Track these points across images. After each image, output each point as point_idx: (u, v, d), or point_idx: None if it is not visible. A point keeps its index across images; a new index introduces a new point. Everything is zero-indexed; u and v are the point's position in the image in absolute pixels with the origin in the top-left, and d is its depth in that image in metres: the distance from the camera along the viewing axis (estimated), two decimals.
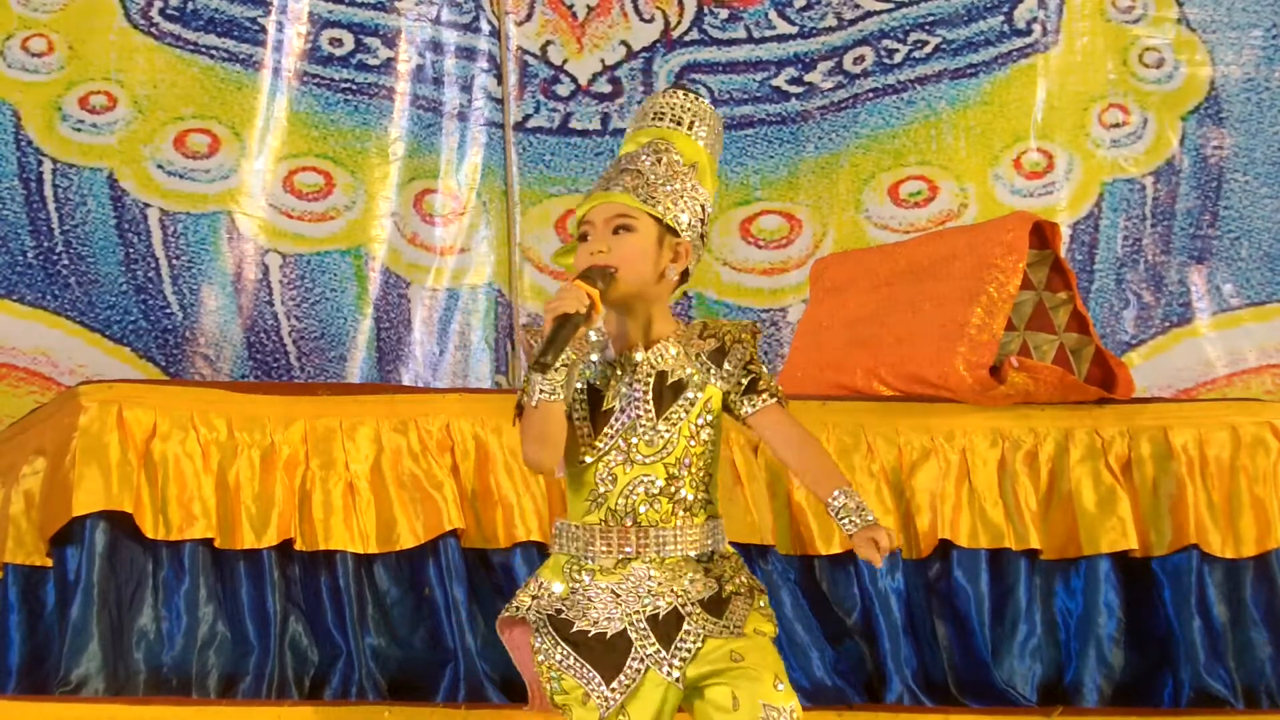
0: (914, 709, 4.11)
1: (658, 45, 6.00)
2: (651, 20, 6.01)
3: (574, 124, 5.95)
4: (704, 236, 2.88)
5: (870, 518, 2.70)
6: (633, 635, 2.74)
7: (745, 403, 2.82)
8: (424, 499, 4.05)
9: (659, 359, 2.82)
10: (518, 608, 2.80)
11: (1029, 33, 5.88)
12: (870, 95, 5.93)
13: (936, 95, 5.90)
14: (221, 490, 4.01)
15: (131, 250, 5.59)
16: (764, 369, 2.83)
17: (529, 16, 5.97)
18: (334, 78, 5.82)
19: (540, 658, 2.76)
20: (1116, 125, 5.83)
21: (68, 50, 5.64)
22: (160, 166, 5.66)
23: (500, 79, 5.93)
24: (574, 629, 2.75)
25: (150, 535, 3.96)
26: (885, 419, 4.28)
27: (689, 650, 2.73)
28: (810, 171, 5.94)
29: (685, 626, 2.74)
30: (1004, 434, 4.27)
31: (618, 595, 2.76)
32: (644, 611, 2.75)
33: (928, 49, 5.92)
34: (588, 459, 2.78)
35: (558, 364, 2.69)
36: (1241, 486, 4.24)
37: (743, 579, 2.81)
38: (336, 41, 5.84)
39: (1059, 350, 4.42)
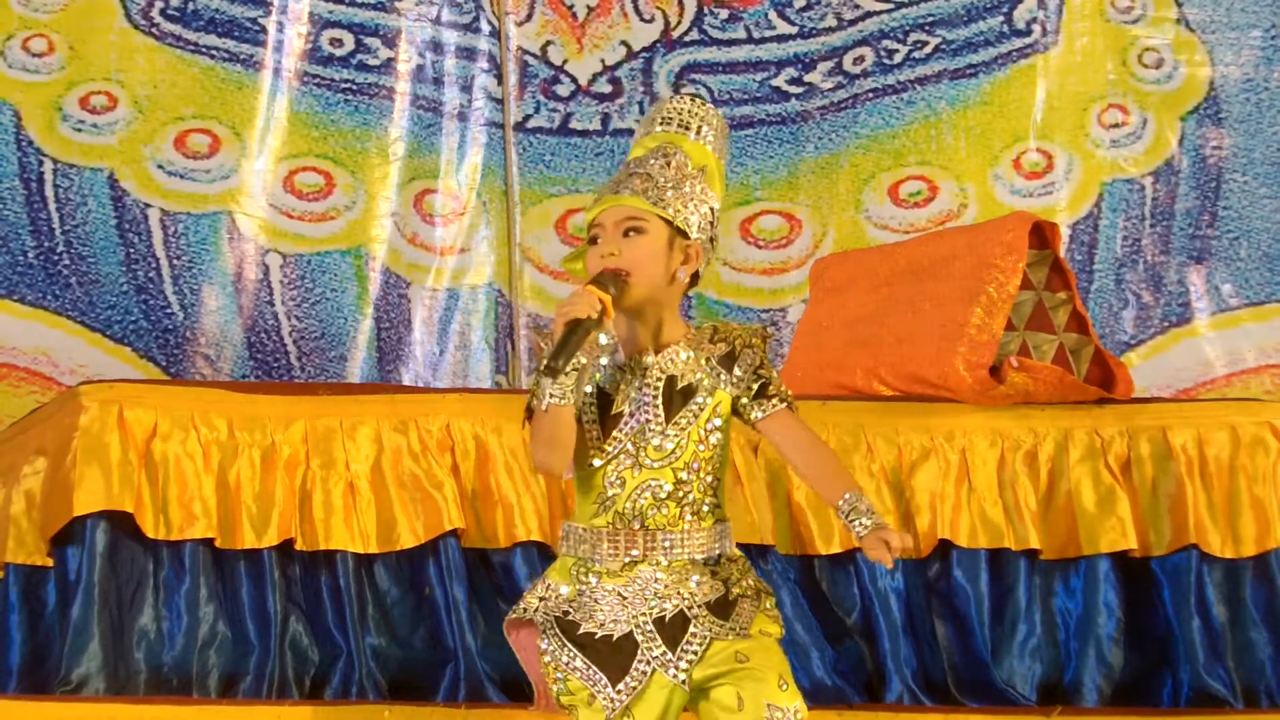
0: (914, 709, 4.11)
1: (658, 45, 6.01)
2: (651, 20, 6.01)
3: (574, 124, 5.95)
4: (713, 240, 2.89)
5: (880, 520, 2.71)
6: (639, 638, 2.75)
7: (755, 407, 2.82)
8: (424, 499, 4.05)
9: (669, 363, 2.82)
10: (525, 609, 2.81)
11: (1029, 33, 5.88)
12: (870, 95, 5.93)
13: (936, 95, 5.90)
14: (222, 490, 4.01)
15: (132, 250, 5.60)
16: (774, 373, 2.84)
17: (529, 17, 5.97)
18: (334, 78, 5.83)
19: (547, 659, 2.76)
20: (1116, 125, 5.83)
21: (68, 50, 5.64)
22: (161, 167, 5.66)
23: (500, 79, 5.93)
24: (581, 631, 2.76)
25: (151, 535, 3.96)
26: (885, 419, 4.28)
27: (695, 653, 2.74)
28: (810, 171, 5.94)
29: (691, 629, 2.75)
30: (1004, 434, 4.27)
31: (624, 598, 2.77)
32: (650, 614, 2.76)
33: (927, 49, 5.92)
34: (596, 462, 2.79)
35: (568, 369, 2.69)
36: (1241, 486, 4.25)
37: (749, 581, 2.82)
38: (337, 42, 5.85)
39: (1058, 350, 4.42)
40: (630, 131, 5.87)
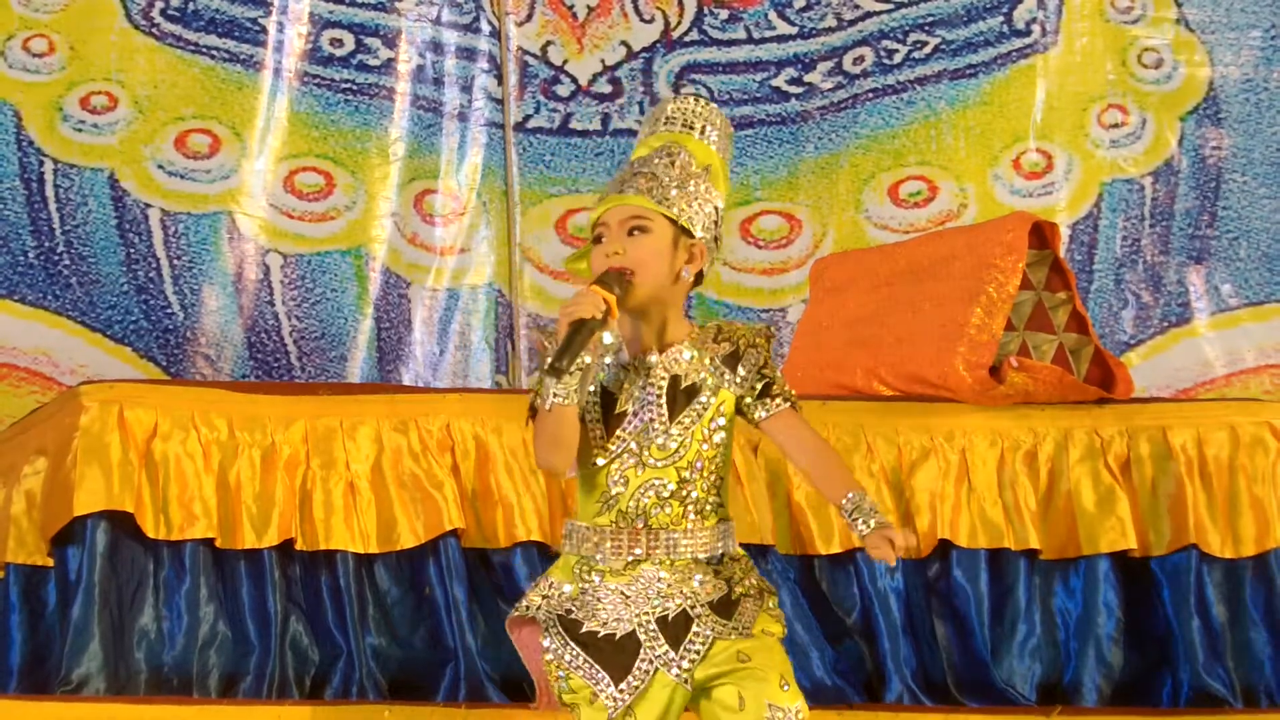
0: (913, 709, 4.11)
1: (658, 46, 6.01)
2: (651, 21, 6.01)
3: (574, 124, 5.95)
4: (718, 239, 2.90)
5: (884, 519, 2.71)
6: (642, 636, 2.75)
7: (759, 407, 2.83)
8: (424, 499, 4.06)
9: (673, 363, 2.82)
10: (528, 607, 2.81)
11: (1028, 33, 5.88)
12: (870, 95, 5.93)
13: (936, 95, 5.90)
14: (222, 490, 4.01)
15: (132, 250, 5.60)
16: (778, 373, 2.84)
17: (529, 17, 5.98)
18: (334, 78, 5.83)
19: (549, 657, 2.76)
20: (1115, 126, 5.84)
21: (69, 51, 5.65)
22: (161, 167, 5.67)
23: (500, 79, 5.94)
24: (583, 629, 2.76)
25: (151, 535, 3.96)
26: (885, 419, 4.29)
27: (697, 652, 2.74)
28: (810, 171, 5.95)
29: (694, 628, 2.75)
30: (1003, 434, 4.27)
31: (627, 597, 2.77)
32: (653, 613, 2.76)
33: (927, 49, 5.92)
34: (599, 461, 2.79)
35: (572, 369, 2.69)
36: (1240, 486, 4.25)
37: (752, 580, 2.82)
38: (337, 42, 5.85)
39: (1058, 350, 4.43)
40: (630, 132, 5.87)
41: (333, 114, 5.81)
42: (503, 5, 5.94)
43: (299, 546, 4.02)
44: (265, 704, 3.93)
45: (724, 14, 6.02)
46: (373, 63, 5.86)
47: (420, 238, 5.86)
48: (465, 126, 5.91)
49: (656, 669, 2.74)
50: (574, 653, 2.75)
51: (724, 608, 2.78)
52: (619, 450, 2.79)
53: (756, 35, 6.01)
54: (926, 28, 5.93)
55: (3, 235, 5.51)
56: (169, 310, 5.60)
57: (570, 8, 5.99)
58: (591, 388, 2.80)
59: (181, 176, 5.68)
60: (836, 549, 4.15)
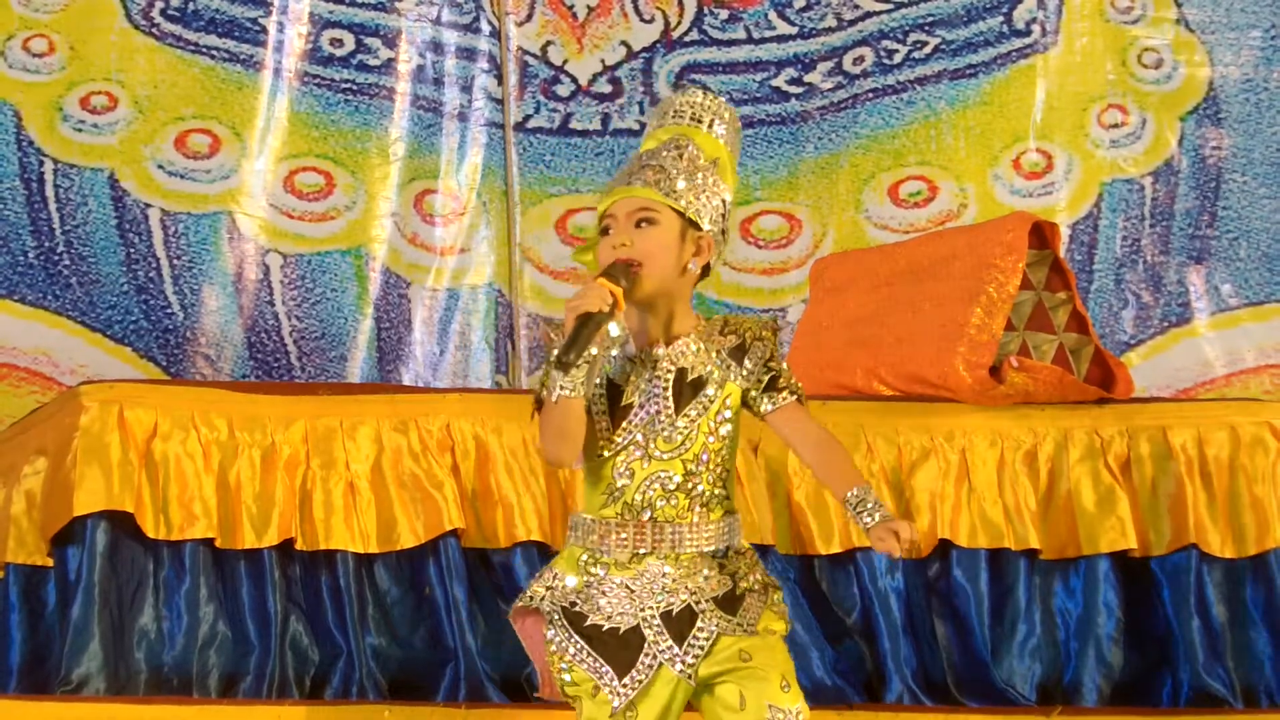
0: (914, 708, 4.11)
1: (658, 46, 6.01)
2: (651, 21, 6.01)
3: (574, 124, 5.95)
4: (725, 232, 2.89)
5: (888, 513, 2.71)
6: (646, 631, 2.74)
7: (765, 400, 2.83)
8: (424, 499, 4.06)
9: (679, 356, 2.82)
10: (531, 597, 2.81)
11: (1028, 33, 5.88)
12: (870, 95, 5.93)
13: (936, 95, 5.90)
14: (222, 490, 4.02)
15: (132, 250, 5.60)
16: (784, 366, 2.84)
17: (529, 17, 5.98)
18: (334, 78, 5.83)
19: (553, 648, 2.76)
20: (1115, 126, 5.84)
21: (69, 51, 5.65)
22: (161, 167, 5.67)
23: (500, 79, 5.94)
24: (588, 623, 2.76)
25: (151, 535, 3.96)
26: (885, 419, 4.29)
27: (701, 647, 2.74)
28: (810, 171, 5.95)
29: (699, 624, 2.75)
30: (1003, 434, 4.27)
31: (632, 591, 2.76)
32: (658, 608, 2.75)
33: (927, 49, 5.92)
34: (605, 453, 2.79)
35: (579, 361, 2.69)
36: (1240, 486, 4.25)
37: (757, 575, 2.82)
38: (337, 42, 5.85)
39: (1058, 350, 4.43)
40: (630, 132, 5.87)
41: (333, 114, 5.81)
42: (503, 5, 5.94)
43: (299, 546, 4.02)
44: (265, 704, 3.93)
45: (724, 14, 6.02)
46: (373, 63, 5.86)
47: (420, 238, 5.86)
48: (465, 126, 5.91)
49: (660, 664, 2.73)
50: (577, 646, 2.75)
51: (729, 603, 2.77)
52: (625, 443, 2.79)
53: (756, 35, 6.01)
54: (926, 28, 5.93)
55: (3, 235, 5.51)
56: (169, 310, 5.60)
57: (570, 8, 5.99)
58: (598, 380, 2.79)
59: (181, 176, 5.68)
60: (836, 549, 4.15)
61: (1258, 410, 4.43)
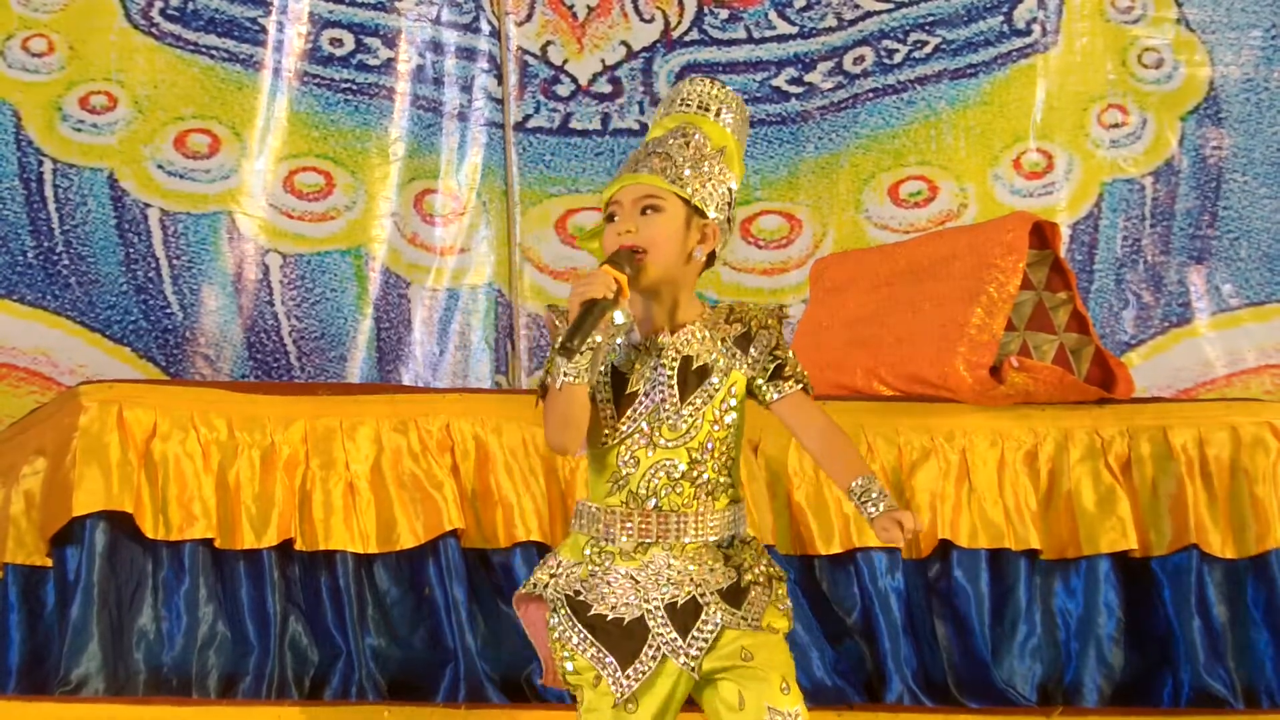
0: (914, 709, 4.11)
1: (658, 45, 6.00)
2: (652, 20, 6.01)
3: (574, 124, 5.95)
4: (731, 220, 2.89)
5: (893, 503, 2.71)
6: (650, 623, 2.74)
7: (770, 388, 2.82)
8: (424, 499, 4.05)
9: (684, 343, 2.81)
10: (535, 584, 2.80)
11: (1028, 33, 5.88)
12: (870, 95, 5.93)
13: (936, 95, 5.90)
14: (222, 490, 4.01)
15: (132, 250, 5.60)
16: (790, 354, 2.83)
17: (529, 17, 5.97)
18: (334, 78, 5.83)
19: (555, 636, 2.75)
20: (1116, 125, 5.83)
21: (68, 50, 5.64)
22: (160, 166, 5.66)
23: (500, 79, 5.93)
24: (591, 612, 2.75)
25: (150, 535, 3.96)
26: (885, 419, 4.28)
27: (706, 640, 2.73)
28: (810, 171, 5.94)
29: (703, 616, 2.74)
30: (1004, 434, 4.27)
31: (637, 581, 2.75)
32: (662, 600, 2.75)
33: (927, 49, 5.92)
34: (610, 441, 2.78)
35: (583, 348, 2.68)
36: (1241, 486, 4.25)
37: (762, 567, 2.80)
38: (337, 42, 5.84)
39: (1059, 350, 4.42)
40: (630, 131, 5.87)
41: (333, 114, 5.81)
42: (503, 5, 5.94)
43: (298, 547, 4.02)
44: (264, 704, 3.93)
45: (724, 14, 6.02)
46: (373, 63, 5.86)
47: (420, 238, 5.85)
48: (465, 126, 5.91)
49: (664, 656, 2.73)
50: (581, 635, 2.74)
51: (733, 596, 2.76)
52: (630, 430, 2.78)
53: (757, 35, 6.01)
54: (927, 27, 5.93)
55: (2, 235, 5.50)
56: (168, 310, 5.59)
57: (570, 8, 5.99)
58: (602, 367, 2.79)
59: (181, 176, 5.68)
60: (837, 549, 4.15)
61: (1259, 410, 4.42)
